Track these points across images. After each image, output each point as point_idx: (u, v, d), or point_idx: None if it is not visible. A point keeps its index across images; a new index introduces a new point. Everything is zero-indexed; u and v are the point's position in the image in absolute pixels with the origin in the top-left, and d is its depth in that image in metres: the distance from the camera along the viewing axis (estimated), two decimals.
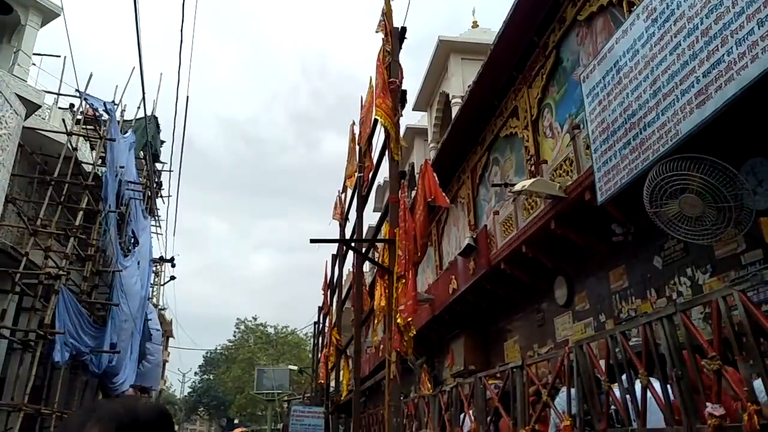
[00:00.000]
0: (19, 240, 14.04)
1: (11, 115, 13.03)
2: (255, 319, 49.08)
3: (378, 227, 8.29)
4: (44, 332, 12.86)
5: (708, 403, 3.05)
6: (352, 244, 8.72)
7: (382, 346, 18.05)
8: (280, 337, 46.83)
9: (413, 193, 7.94)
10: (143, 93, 14.65)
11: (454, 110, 12.49)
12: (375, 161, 9.24)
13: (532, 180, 6.43)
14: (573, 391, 4.87)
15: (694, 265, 5.77)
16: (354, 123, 14.20)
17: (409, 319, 6.00)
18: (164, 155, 24.69)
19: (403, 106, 7.16)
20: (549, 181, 6.51)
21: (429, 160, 7.46)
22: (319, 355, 20.52)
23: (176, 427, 1.37)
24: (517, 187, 6.44)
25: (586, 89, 6.24)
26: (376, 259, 7.86)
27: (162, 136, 24.67)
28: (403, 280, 6.20)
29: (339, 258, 13.78)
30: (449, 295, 10.25)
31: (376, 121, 9.62)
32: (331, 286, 16.36)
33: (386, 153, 7.30)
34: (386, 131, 7.13)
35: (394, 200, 6.77)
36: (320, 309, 21.32)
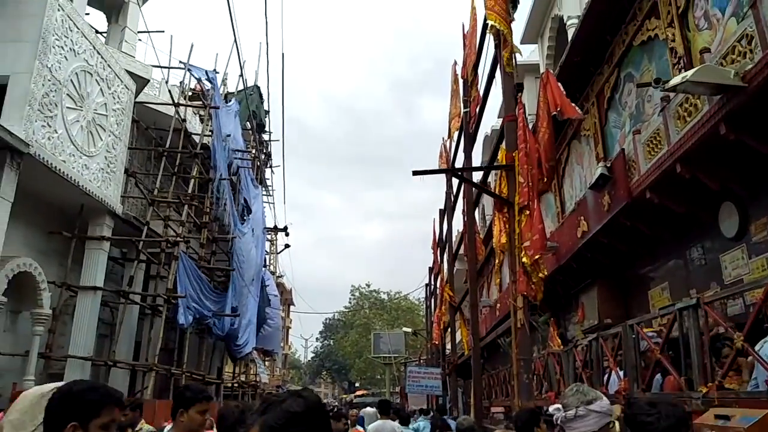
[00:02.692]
0: (143, 213, 14.65)
1: (122, 90, 13.41)
2: (368, 285, 49.96)
3: (493, 154, 7.20)
4: (168, 296, 13.37)
5: None
6: (462, 174, 7.72)
7: (498, 305, 17.04)
8: (393, 303, 47.22)
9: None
10: (240, 61, 14.65)
11: (571, 35, 10.85)
12: (482, 92, 8.10)
13: (696, 69, 4.92)
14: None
15: None
16: (456, 63, 13.03)
17: (537, 257, 4.94)
18: (270, 126, 25.10)
19: (515, 7, 5.97)
20: (719, 68, 4.98)
21: (550, 73, 6.17)
22: (432, 316, 19.95)
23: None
24: (675, 80, 5.00)
25: None
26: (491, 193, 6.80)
27: (266, 107, 25.07)
28: (527, 212, 5.13)
29: (447, 211, 12.84)
30: (577, 239, 8.89)
31: (481, 47, 8.46)
32: (441, 242, 15.54)
33: (498, 68, 6.16)
34: (497, 41, 5.99)
35: (511, 118, 5.66)
36: (431, 270, 20.69)
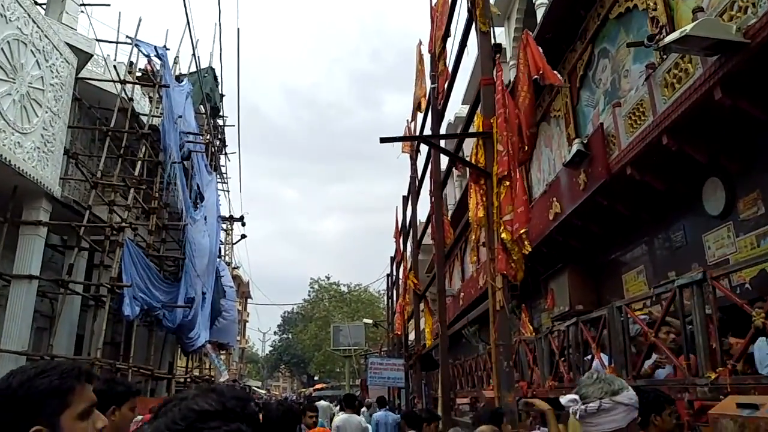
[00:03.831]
0: (86, 197, 13.59)
1: (62, 64, 12.33)
2: (328, 278, 49.28)
3: (468, 120, 6.67)
4: (112, 285, 12.45)
5: None
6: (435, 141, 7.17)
7: (462, 294, 16.72)
8: (353, 295, 46.76)
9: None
10: (192, 41, 13.72)
11: (540, 16, 10.47)
12: (452, 63, 7.58)
13: (696, 22, 4.48)
14: None
15: None
16: (421, 42, 12.51)
17: (522, 231, 4.46)
18: (225, 111, 24.08)
19: None
20: (721, 22, 4.56)
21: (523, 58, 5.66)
22: (394, 306, 19.51)
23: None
24: (673, 36, 4.55)
25: None
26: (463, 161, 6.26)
27: (221, 91, 23.99)
28: (507, 183, 4.64)
29: (412, 196, 12.34)
30: (549, 222, 8.52)
31: (450, 17, 7.94)
32: (404, 229, 15.04)
33: (472, 28, 5.63)
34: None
35: (488, 82, 5.15)
36: (392, 259, 20.22)
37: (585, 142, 7.14)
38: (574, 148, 7.08)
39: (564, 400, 2.03)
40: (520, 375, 7.56)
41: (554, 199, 8.32)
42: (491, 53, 5.37)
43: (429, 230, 10.40)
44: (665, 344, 3.92)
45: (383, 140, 5.50)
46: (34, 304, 11.18)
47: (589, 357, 5.22)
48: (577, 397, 1.96)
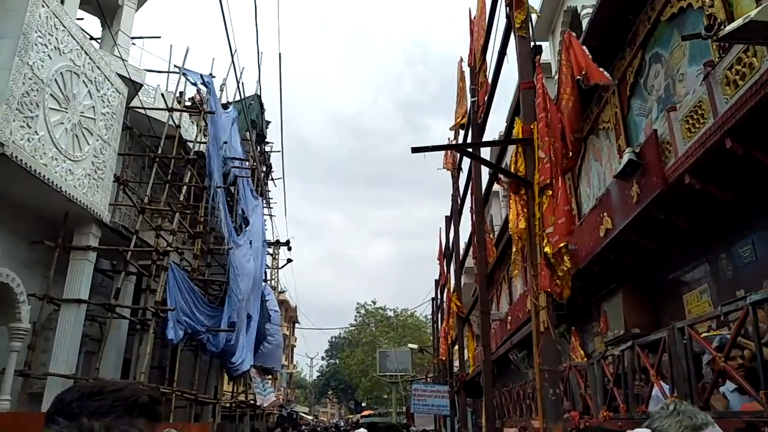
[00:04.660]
0: (135, 223, 13.93)
1: (113, 94, 12.78)
2: (374, 302, 48.98)
3: (508, 129, 6.33)
4: (156, 309, 12.56)
5: None
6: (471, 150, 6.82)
7: (509, 317, 16.04)
8: (400, 320, 46.25)
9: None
10: (236, 72, 14.07)
11: (585, 26, 10.06)
12: (491, 74, 7.28)
13: (759, 8, 4.01)
14: None
15: None
16: (461, 60, 12.29)
17: (563, 244, 4.05)
18: (271, 137, 24.52)
19: None
20: None
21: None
22: (439, 330, 18.99)
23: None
24: (735, 24, 4.05)
25: None
26: (503, 173, 5.90)
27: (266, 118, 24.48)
28: (549, 192, 4.27)
29: (454, 216, 11.97)
30: (600, 239, 7.95)
31: (489, 28, 7.68)
32: (447, 251, 14.63)
33: (511, 35, 5.33)
34: (509, 1, 5.19)
35: (528, 86, 4.83)
36: (437, 282, 19.77)
37: (637, 151, 6.63)
38: (625, 158, 6.58)
39: None
40: (572, 404, 6.99)
41: (605, 214, 7.78)
42: (530, 55, 5.06)
43: (471, 251, 9.99)
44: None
45: (415, 150, 5.23)
46: (83, 328, 11.37)
47: (648, 385, 4.70)
48: (649, 430, 1.67)
